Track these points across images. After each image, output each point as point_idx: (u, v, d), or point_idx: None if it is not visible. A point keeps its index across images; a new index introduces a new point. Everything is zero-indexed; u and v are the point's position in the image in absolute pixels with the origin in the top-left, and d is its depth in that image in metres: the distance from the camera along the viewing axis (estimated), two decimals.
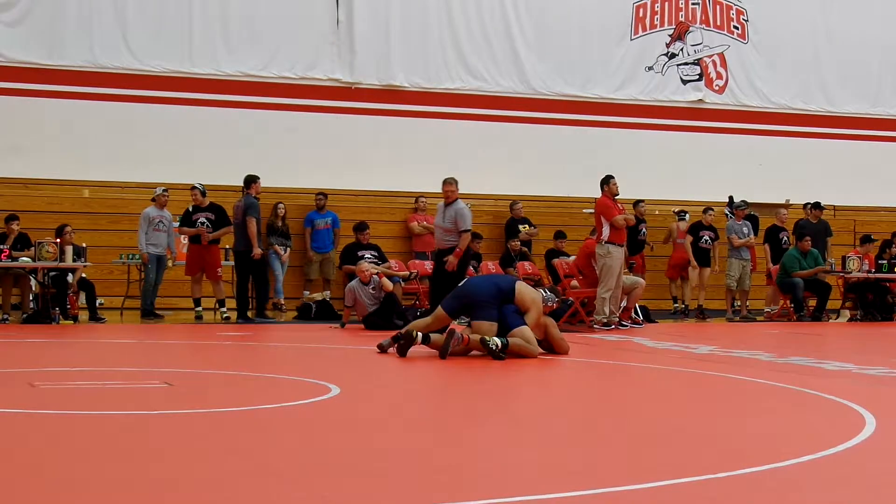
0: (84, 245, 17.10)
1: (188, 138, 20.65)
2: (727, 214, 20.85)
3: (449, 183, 15.27)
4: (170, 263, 17.97)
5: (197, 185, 17.76)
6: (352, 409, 8.08)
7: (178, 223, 17.76)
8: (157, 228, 17.56)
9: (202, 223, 17.59)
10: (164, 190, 17.85)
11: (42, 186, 19.58)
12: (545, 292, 12.22)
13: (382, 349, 11.76)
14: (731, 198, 21.00)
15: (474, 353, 11.36)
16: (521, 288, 11.79)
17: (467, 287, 11.99)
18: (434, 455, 6.07)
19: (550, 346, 11.90)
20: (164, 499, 4.93)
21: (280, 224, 19.26)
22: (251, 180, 17.45)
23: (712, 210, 20.50)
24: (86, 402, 7.96)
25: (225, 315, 17.44)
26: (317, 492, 5.10)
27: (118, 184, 19.79)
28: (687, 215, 21.27)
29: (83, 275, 17.09)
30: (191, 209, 17.73)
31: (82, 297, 17.13)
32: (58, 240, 16.30)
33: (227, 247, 18.33)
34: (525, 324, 11.41)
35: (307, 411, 7.79)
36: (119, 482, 5.21)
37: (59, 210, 18.72)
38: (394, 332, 11.94)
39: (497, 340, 11.06)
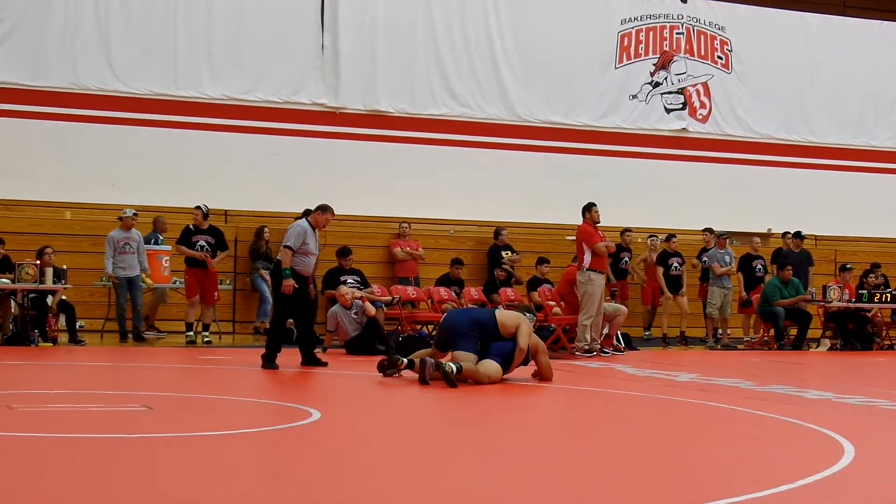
0: (65, 267, 17.01)
1: (172, 161, 20.59)
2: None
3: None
4: (149, 282, 17.69)
5: (201, 206, 17.69)
6: (332, 434, 8.05)
7: (177, 241, 17.62)
8: (124, 251, 17.21)
9: (202, 247, 17.51)
10: (133, 213, 17.55)
11: (23, 208, 19.49)
12: (525, 314, 12.41)
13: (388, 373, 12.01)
14: (709, 230, 21.08)
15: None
16: (501, 316, 11.96)
17: (447, 321, 12.21)
18: (410, 481, 6.04)
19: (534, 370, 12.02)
20: None
21: (265, 248, 19.23)
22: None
23: (675, 237, 20.56)
24: (64, 426, 7.91)
25: (207, 339, 17.39)
26: None
27: (100, 206, 19.69)
28: (651, 240, 21.32)
29: (63, 297, 17.00)
30: (192, 228, 17.61)
31: (62, 320, 17.03)
32: (38, 261, 16.22)
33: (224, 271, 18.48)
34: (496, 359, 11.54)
35: (287, 436, 7.76)
36: None
37: (41, 231, 18.62)
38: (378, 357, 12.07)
39: (452, 365, 11.16)
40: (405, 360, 11.94)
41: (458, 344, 11.59)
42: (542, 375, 11.99)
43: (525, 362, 11.90)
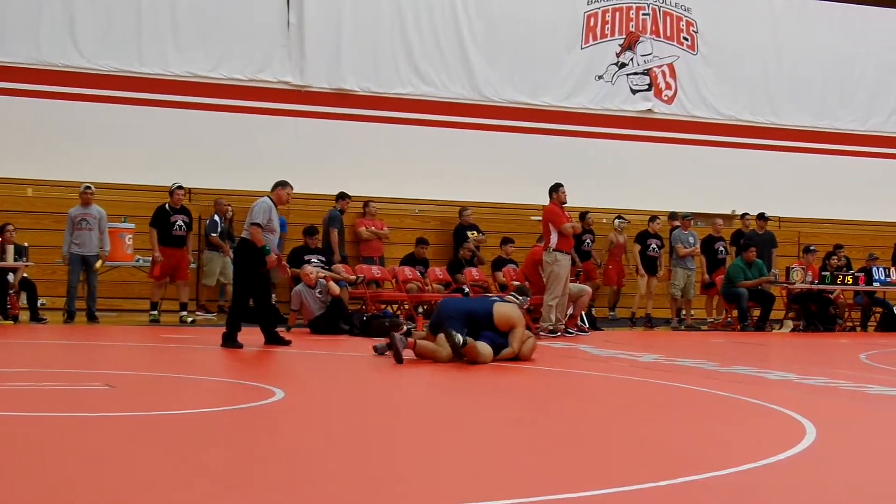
0: (26, 244, 16.87)
1: (135, 138, 20.45)
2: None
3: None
4: (99, 264, 17.15)
5: (181, 186, 17.66)
6: (295, 412, 8.03)
7: (152, 221, 17.42)
8: (81, 227, 16.87)
9: (180, 226, 17.45)
10: (87, 187, 17.19)
11: None
12: (518, 297, 12.56)
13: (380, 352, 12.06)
14: (673, 213, 21.16)
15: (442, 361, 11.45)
16: (500, 309, 11.98)
17: (440, 306, 12.27)
18: (371, 460, 6.03)
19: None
20: (98, 500, 4.86)
21: (229, 226, 19.15)
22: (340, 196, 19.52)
23: (658, 219, 20.62)
24: (24, 404, 7.84)
25: (191, 319, 17.33)
26: (254, 495, 5.05)
27: (62, 183, 19.52)
28: (617, 222, 21.40)
29: (25, 274, 16.86)
30: (168, 209, 17.49)
31: (23, 297, 16.89)
32: None
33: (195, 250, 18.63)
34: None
35: (250, 415, 7.73)
36: (56, 484, 5.14)
37: (2, 208, 18.41)
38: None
39: (461, 336, 11.27)
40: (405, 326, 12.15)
41: (445, 326, 11.61)
42: (521, 356, 12.07)
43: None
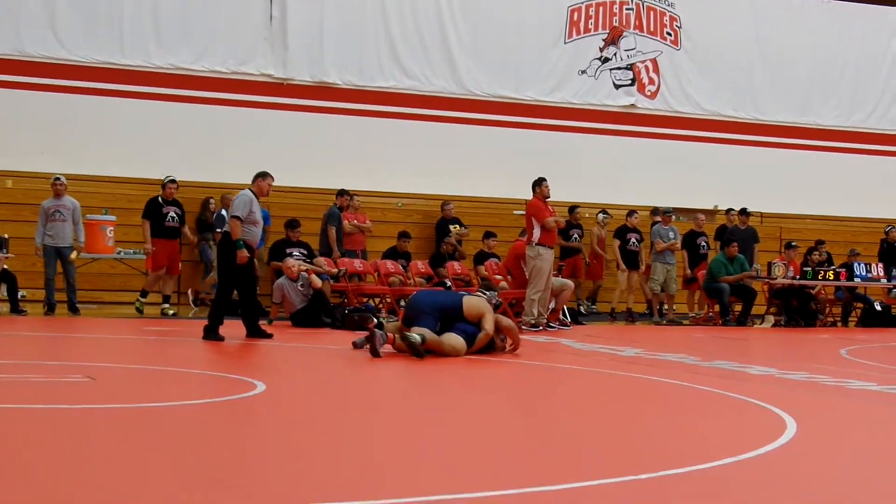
0: (6, 236, 16.80)
1: (116, 130, 20.39)
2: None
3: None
4: (74, 255, 16.98)
5: (174, 179, 17.64)
6: (277, 405, 8.01)
7: (144, 213, 17.41)
8: (54, 218, 16.79)
9: (172, 217, 17.47)
10: (57, 178, 17.11)
11: None
12: (485, 293, 12.66)
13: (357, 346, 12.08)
14: (656, 208, 21.21)
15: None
16: (469, 300, 12.08)
17: (412, 300, 12.32)
18: (351, 452, 6.02)
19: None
20: (79, 493, 4.84)
21: (212, 219, 19.12)
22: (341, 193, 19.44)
23: (636, 213, 20.65)
24: (3, 396, 7.81)
25: (172, 311, 17.31)
26: (234, 487, 5.03)
27: (43, 175, 19.43)
28: (601, 217, 21.44)
29: (5, 266, 16.79)
30: (161, 201, 17.47)
31: (3, 289, 16.82)
32: None
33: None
34: (461, 335, 11.65)
35: (231, 407, 7.71)
36: (35, 477, 5.11)
37: None
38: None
39: (416, 336, 11.23)
40: (375, 320, 12.12)
41: (418, 321, 11.63)
42: (514, 344, 12.19)
43: (489, 349, 11.96)
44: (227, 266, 13.21)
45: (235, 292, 13.53)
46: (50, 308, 16.71)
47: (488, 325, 11.84)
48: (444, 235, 20.36)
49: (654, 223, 20.64)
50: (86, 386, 8.53)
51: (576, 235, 20.81)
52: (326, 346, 13.13)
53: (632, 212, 20.66)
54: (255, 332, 13.35)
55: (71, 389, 8.33)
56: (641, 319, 20.23)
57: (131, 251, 18.16)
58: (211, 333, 12.87)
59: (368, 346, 11.45)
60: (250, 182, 13.72)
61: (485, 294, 12.75)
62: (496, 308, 12.47)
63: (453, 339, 11.56)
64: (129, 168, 19.83)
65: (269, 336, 13.37)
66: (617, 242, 20.40)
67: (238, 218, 13.09)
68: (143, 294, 17.42)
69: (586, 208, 22.13)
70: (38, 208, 17.77)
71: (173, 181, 17.59)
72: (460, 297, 12.24)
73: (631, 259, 20.30)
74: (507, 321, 12.34)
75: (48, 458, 5.54)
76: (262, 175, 13.70)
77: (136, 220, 18.27)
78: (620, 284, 20.43)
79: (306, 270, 16.46)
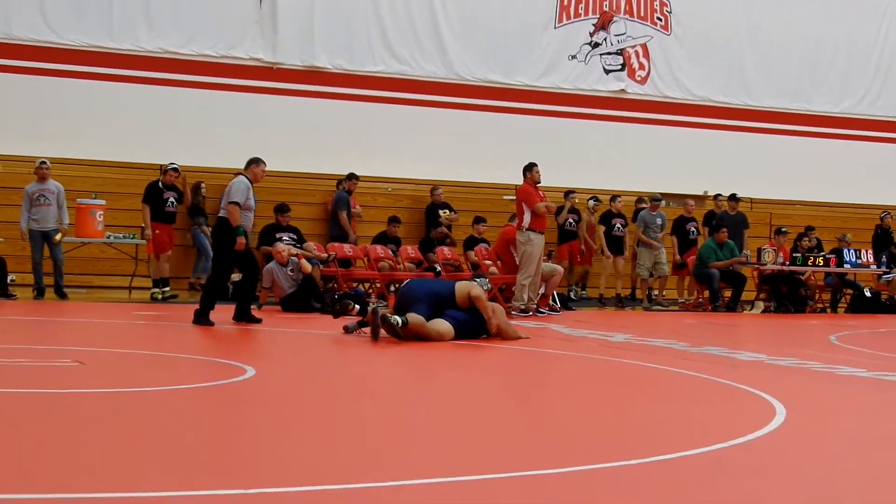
0: None
1: (105, 114, 20.30)
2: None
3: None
4: (59, 236, 16.83)
5: (175, 165, 17.64)
6: (266, 390, 8.00)
7: (144, 198, 17.38)
8: (39, 203, 16.74)
9: (171, 202, 17.47)
10: (42, 162, 17.04)
11: None
12: (476, 280, 12.65)
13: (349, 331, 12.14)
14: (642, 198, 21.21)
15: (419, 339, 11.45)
16: (459, 287, 12.12)
17: (405, 287, 12.29)
18: (341, 437, 6.02)
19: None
20: (68, 477, 4.83)
21: (203, 203, 19.08)
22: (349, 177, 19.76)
23: (619, 198, 20.66)
24: None
25: (161, 296, 17.27)
26: (224, 471, 5.03)
27: (32, 158, 19.32)
28: (591, 202, 21.43)
29: None
30: (161, 186, 17.44)
31: None
32: None
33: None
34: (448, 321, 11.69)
35: (221, 392, 7.70)
36: (24, 460, 5.09)
37: None
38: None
39: (398, 318, 11.23)
40: (356, 306, 12.57)
41: (412, 308, 11.63)
42: (504, 335, 12.13)
43: (482, 331, 11.97)
44: (223, 251, 13.18)
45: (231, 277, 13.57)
46: (39, 292, 16.66)
47: (475, 290, 11.90)
48: (433, 220, 20.34)
49: (639, 209, 20.64)
50: (75, 370, 8.51)
51: (571, 220, 20.78)
52: (316, 330, 13.12)
53: (615, 196, 20.67)
54: (244, 317, 13.33)
55: (60, 374, 8.31)
56: (630, 304, 20.24)
57: (121, 236, 18.08)
58: (201, 318, 12.85)
59: (370, 330, 11.49)
60: (243, 167, 13.68)
61: (476, 281, 12.76)
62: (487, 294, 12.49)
63: (440, 325, 11.58)
64: (119, 152, 19.75)
65: (259, 321, 13.35)
66: (602, 228, 20.41)
67: (237, 204, 13.06)
68: (157, 283, 17.45)
69: (576, 194, 22.10)
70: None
71: (175, 168, 17.57)
72: (452, 284, 12.31)
73: (616, 244, 20.31)
74: (492, 305, 12.30)
75: (37, 442, 5.52)
76: (256, 161, 13.67)
77: (125, 203, 18.22)
78: (606, 269, 20.43)
79: (296, 255, 16.43)
